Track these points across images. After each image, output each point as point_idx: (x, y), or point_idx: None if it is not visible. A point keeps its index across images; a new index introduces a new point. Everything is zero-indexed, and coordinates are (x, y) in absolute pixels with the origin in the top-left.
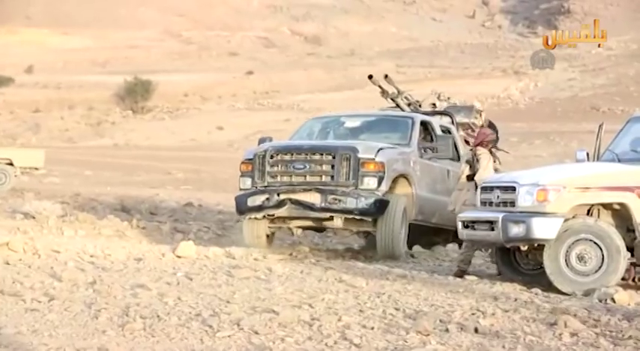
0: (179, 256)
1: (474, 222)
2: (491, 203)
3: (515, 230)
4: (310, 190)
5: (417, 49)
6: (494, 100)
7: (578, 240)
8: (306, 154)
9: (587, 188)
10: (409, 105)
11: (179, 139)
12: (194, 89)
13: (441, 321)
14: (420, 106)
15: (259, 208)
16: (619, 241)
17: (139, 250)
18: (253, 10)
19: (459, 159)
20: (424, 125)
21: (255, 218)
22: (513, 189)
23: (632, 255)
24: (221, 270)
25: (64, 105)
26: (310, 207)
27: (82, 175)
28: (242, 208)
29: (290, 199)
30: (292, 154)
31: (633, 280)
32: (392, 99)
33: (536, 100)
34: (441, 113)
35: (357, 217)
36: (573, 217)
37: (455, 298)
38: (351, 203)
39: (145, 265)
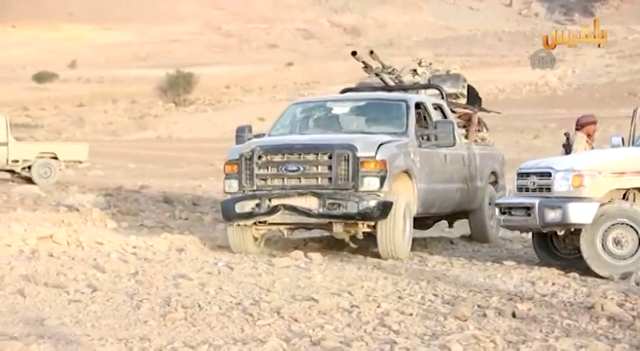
0: (220, 246)
1: (510, 208)
2: (527, 189)
3: (552, 215)
4: (306, 194)
5: (454, 38)
6: (532, 87)
7: (614, 224)
8: (299, 155)
9: (622, 173)
10: (391, 74)
11: (221, 130)
12: (235, 81)
13: (478, 306)
14: (399, 77)
15: (249, 215)
16: None
17: (181, 241)
18: (292, 2)
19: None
20: (418, 106)
21: (245, 225)
22: (549, 175)
23: None
24: (261, 259)
25: (107, 99)
26: (307, 213)
27: (125, 167)
28: (229, 215)
29: (284, 205)
30: (283, 155)
31: None
32: (376, 74)
33: (574, 86)
34: (428, 87)
35: (359, 223)
36: (609, 201)
37: (493, 284)
38: (352, 208)
39: (187, 256)
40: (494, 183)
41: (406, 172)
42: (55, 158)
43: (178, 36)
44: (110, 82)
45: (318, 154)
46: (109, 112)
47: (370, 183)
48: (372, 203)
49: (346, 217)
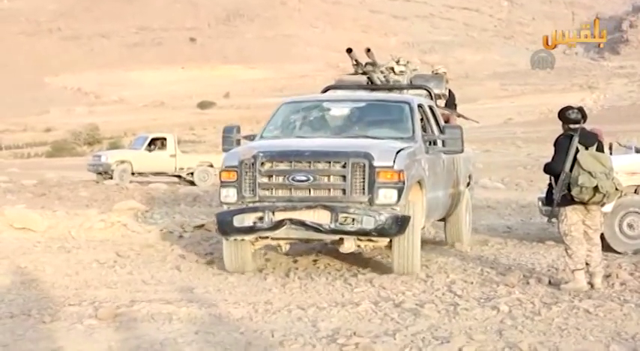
0: None
1: None
2: None
3: None
4: (315, 206)
5: (515, 71)
6: None
7: (628, 212)
8: (309, 163)
9: (634, 173)
10: (382, 73)
11: None
12: None
13: (524, 276)
14: (387, 77)
15: (250, 230)
16: None
17: None
18: (392, 46)
19: None
20: (419, 109)
21: (242, 239)
22: None
23: None
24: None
25: (252, 121)
26: (316, 228)
27: None
28: (226, 229)
29: (290, 219)
30: (291, 163)
31: None
32: (364, 72)
33: (606, 107)
34: (417, 87)
35: (375, 239)
36: (624, 195)
37: (536, 259)
38: (368, 223)
39: None
40: (468, 185)
41: (419, 182)
42: (211, 166)
43: (306, 72)
44: (255, 107)
45: (330, 162)
46: (255, 130)
47: (387, 195)
48: (390, 218)
49: (361, 233)
